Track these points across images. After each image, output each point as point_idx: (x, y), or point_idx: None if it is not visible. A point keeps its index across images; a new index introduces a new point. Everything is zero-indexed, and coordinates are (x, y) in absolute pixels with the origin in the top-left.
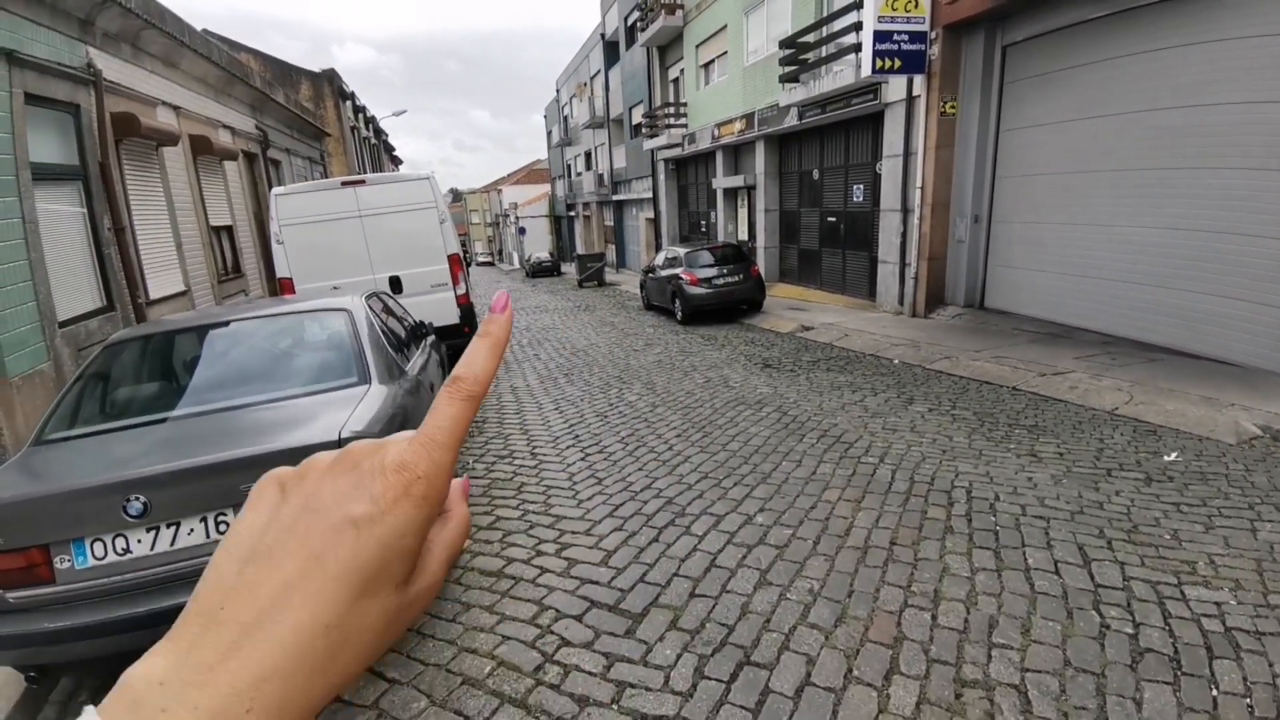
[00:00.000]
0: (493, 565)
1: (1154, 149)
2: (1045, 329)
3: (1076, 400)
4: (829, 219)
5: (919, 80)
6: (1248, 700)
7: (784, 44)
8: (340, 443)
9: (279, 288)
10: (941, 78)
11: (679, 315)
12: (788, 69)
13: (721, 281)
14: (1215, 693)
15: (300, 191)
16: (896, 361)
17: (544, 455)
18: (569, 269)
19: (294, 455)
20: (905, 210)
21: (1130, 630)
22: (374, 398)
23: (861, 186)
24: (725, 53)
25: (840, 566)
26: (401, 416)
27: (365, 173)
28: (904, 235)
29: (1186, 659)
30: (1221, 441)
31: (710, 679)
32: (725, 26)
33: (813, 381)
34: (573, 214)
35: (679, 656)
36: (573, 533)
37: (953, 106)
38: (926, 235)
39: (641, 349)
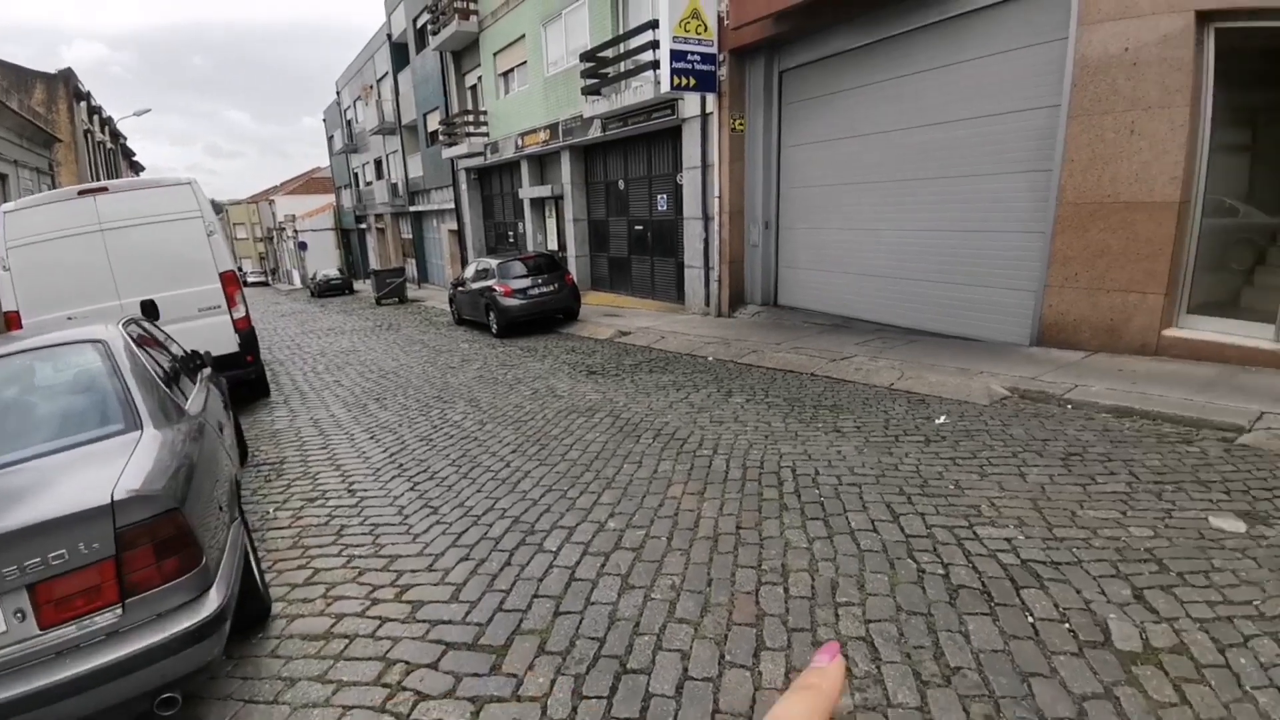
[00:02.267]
0: (317, 627)
1: (908, 162)
2: (830, 321)
3: (861, 380)
4: (636, 227)
5: (711, 98)
6: (1066, 625)
7: (584, 57)
8: (113, 505)
9: (5, 323)
10: (730, 97)
11: (494, 328)
12: (588, 82)
13: (537, 292)
14: (1031, 619)
15: (32, 206)
16: (711, 359)
17: (365, 491)
18: (363, 286)
19: (57, 528)
20: (706, 218)
21: (942, 571)
22: (150, 446)
23: (665, 196)
24: (525, 62)
25: (696, 558)
26: (188, 467)
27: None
28: (706, 241)
29: (995, 591)
30: (977, 404)
31: (590, 698)
32: (524, 36)
33: (638, 384)
34: (364, 226)
35: (553, 682)
36: (412, 571)
37: (741, 123)
38: (726, 241)
39: (459, 365)
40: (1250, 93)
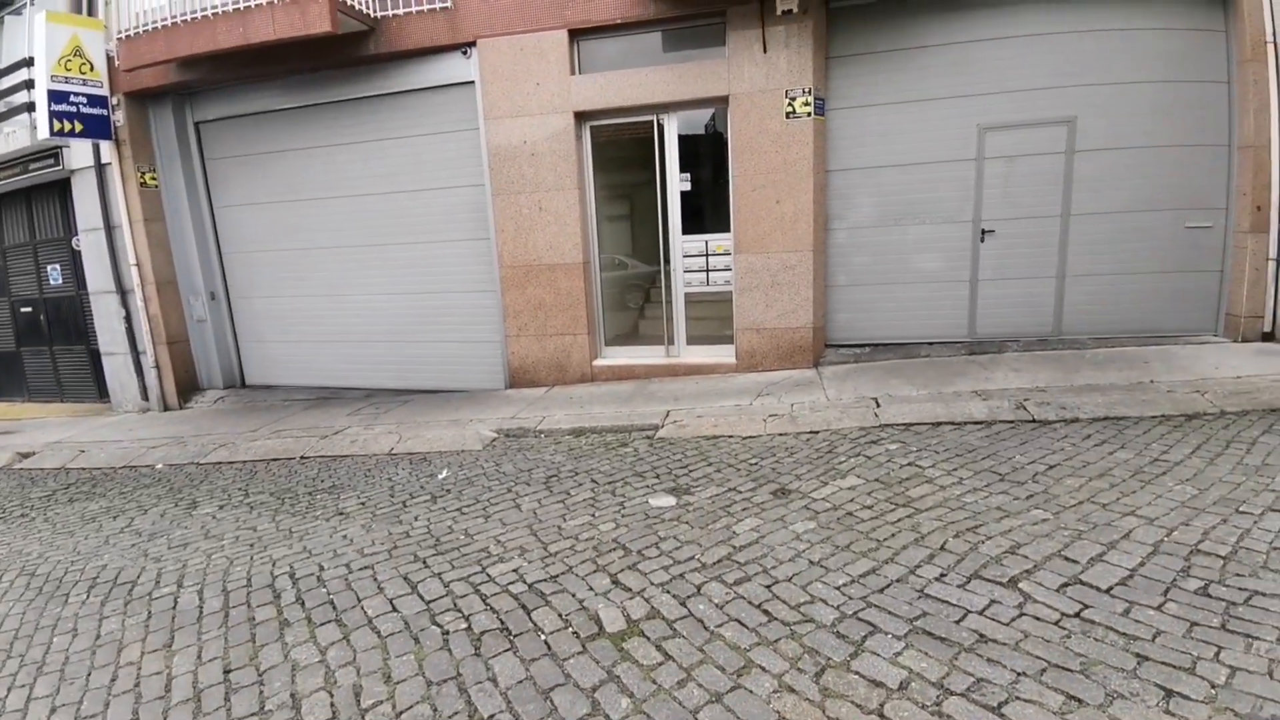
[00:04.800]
0: None
1: (370, 227)
2: (315, 394)
3: (359, 451)
4: (24, 309)
5: (108, 146)
6: (570, 629)
7: None
8: None
9: None
10: (133, 146)
11: None
12: None
13: None
14: (544, 636)
15: None
16: (161, 466)
17: None
18: None
19: None
20: (123, 291)
21: (464, 625)
22: None
23: (59, 266)
24: None
25: None
26: None
27: None
28: (129, 320)
29: (512, 624)
30: (473, 450)
31: None
32: None
33: (56, 522)
34: None
35: None
36: None
37: (153, 178)
38: (158, 317)
39: None
40: (622, 173)
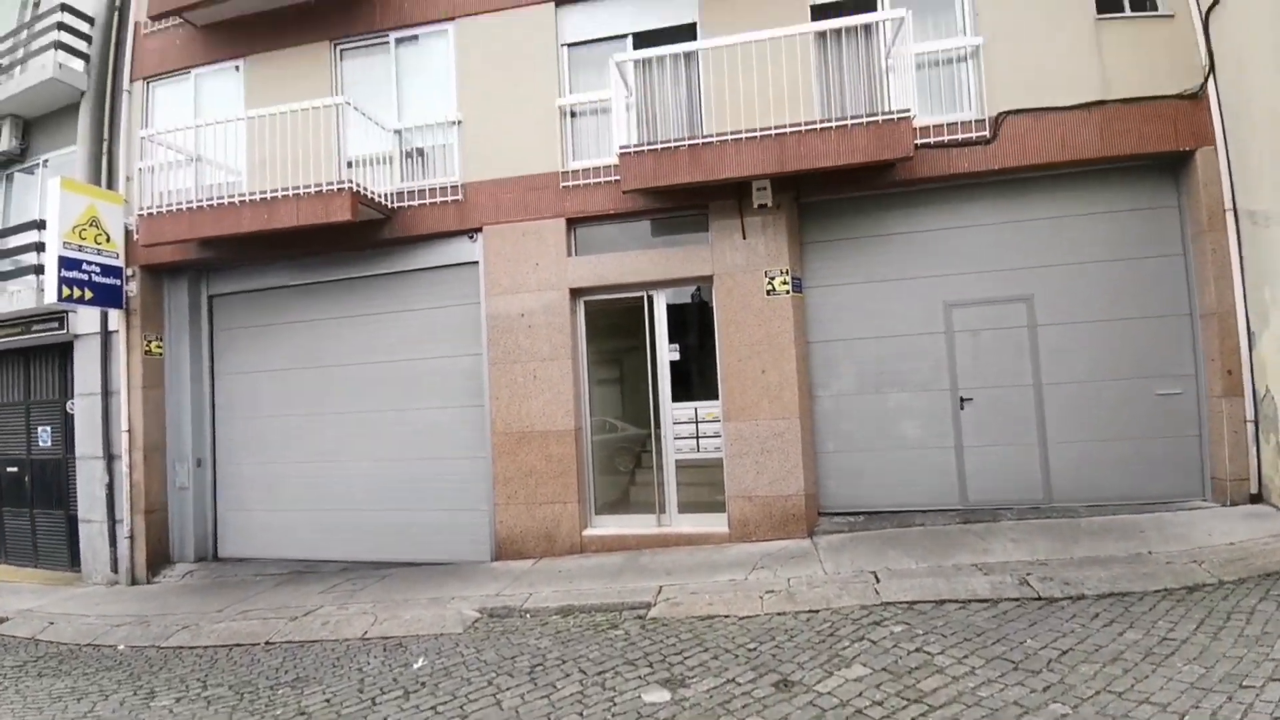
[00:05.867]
0: None
1: (367, 394)
2: (290, 568)
3: (330, 636)
4: (9, 469)
5: (116, 315)
6: None
7: None
8: None
9: None
10: (144, 315)
11: None
12: None
13: None
14: None
15: None
16: (123, 647)
17: None
18: None
19: None
20: (110, 456)
21: None
22: None
23: (49, 429)
24: None
25: None
26: None
27: None
28: (110, 486)
29: None
30: (453, 633)
31: None
32: None
33: (26, 696)
34: None
35: None
36: None
37: (158, 346)
38: (140, 484)
39: None
40: (613, 340)
